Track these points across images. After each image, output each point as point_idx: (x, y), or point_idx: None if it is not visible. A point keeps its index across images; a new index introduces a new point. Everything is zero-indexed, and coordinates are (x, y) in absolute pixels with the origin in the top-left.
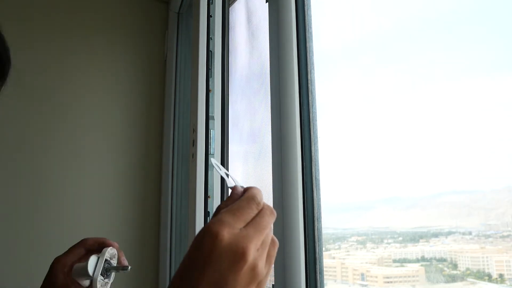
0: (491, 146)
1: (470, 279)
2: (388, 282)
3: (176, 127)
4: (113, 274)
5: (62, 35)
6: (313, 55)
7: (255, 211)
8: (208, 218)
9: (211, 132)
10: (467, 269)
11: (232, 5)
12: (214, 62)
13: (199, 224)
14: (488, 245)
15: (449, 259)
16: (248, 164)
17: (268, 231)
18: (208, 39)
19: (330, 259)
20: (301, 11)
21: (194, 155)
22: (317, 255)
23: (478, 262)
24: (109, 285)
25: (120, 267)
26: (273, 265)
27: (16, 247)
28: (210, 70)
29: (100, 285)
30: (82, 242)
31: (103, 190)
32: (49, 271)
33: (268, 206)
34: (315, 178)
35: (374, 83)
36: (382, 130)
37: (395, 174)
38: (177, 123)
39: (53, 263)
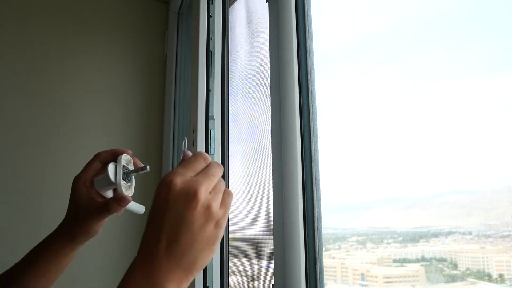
0: (491, 146)
1: (470, 279)
2: (388, 282)
3: (176, 127)
4: (133, 177)
5: (62, 35)
6: (313, 55)
7: (203, 164)
8: None
9: (211, 132)
10: (467, 269)
11: (232, 5)
12: (214, 62)
13: None
14: (488, 245)
15: (449, 259)
16: (248, 164)
17: (219, 180)
18: (208, 39)
19: (330, 259)
20: (301, 11)
21: None
22: (317, 255)
23: (478, 262)
24: (132, 188)
25: (139, 169)
26: (229, 210)
27: (16, 248)
28: (210, 70)
29: (124, 189)
30: (96, 156)
31: None
32: (72, 190)
33: (216, 162)
34: (315, 178)
35: (374, 83)
36: (382, 130)
37: (395, 174)
38: (177, 123)
39: (73, 182)
